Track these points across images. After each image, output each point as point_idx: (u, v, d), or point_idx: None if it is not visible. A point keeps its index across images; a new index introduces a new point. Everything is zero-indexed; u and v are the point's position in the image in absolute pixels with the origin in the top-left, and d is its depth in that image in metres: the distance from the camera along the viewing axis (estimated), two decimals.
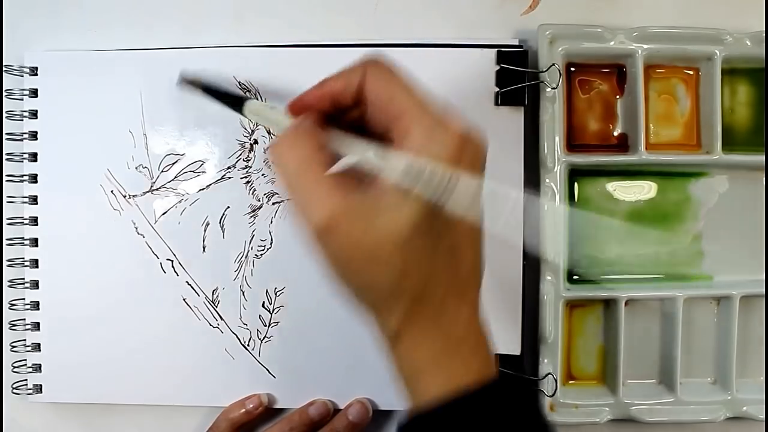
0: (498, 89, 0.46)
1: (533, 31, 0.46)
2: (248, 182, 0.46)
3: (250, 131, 0.46)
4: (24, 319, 0.47)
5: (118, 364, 0.47)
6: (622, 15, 0.47)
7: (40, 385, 0.47)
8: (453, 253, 0.30)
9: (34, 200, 0.47)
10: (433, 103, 0.31)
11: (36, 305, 0.47)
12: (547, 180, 0.45)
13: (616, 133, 0.48)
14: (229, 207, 0.47)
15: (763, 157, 0.46)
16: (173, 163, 0.47)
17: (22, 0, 0.48)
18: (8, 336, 0.47)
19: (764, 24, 0.47)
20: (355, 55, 0.47)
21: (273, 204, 0.47)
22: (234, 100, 0.40)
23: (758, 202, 0.48)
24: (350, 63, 0.33)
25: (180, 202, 0.47)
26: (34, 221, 0.47)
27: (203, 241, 0.47)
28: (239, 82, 0.46)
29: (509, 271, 0.46)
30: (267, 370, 0.47)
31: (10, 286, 0.47)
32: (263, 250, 0.47)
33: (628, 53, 0.46)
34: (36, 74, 0.47)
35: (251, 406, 0.46)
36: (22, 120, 0.47)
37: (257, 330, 0.47)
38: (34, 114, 0.47)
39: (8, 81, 0.47)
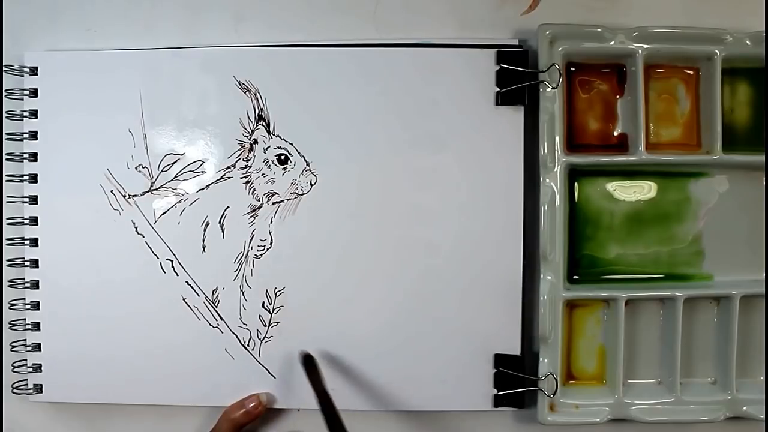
0: (498, 89, 0.46)
1: (533, 31, 0.46)
2: (248, 182, 0.46)
3: (249, 131, 0.46)
4: (24, 319, 0.47)
5: (117, 364, 0.47)
6: (622, 15, 0.47)
7: (40, 385, 0.47)
8: None
9: (34, 200, 0.47)
10: None
11: (36, 305, 0.47)
12: (547, 180, 0.45)
13: (616, 133, 0.48)
14: (228, 207, 0.47)
15: (763, 157, 0.46)
16: (173, 163, 0.47)
17: (22, 0, 0.48)
18: (8, 336, 0.47)
19: (764, 24, 0.47)
20: (355, 55, 0.47)
21: (273, 204, 0.47)
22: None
23: (758, 202, 0.48)
24: None
25: (180, 202, 0.47)
26: (34, 221, 0.47)
27: (203, 241, 0.47)
28: (239, 82, 0.46)
29: (509, 271, 0.46)
30: (267, 370, 0.47)
31: (10, 286, 0.47)
32: (263, 250, 0.47)
33: (628, 53, 0.46)
34: (36, 74, 0.47)
35: (251, 406, 0.46)
36: (22, 120, 0.47)
37: (257, 330, 0.47)
38: (34, 114, 0.47)
39: (8, 81, 0.47)
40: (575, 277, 0.48)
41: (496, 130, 0.46)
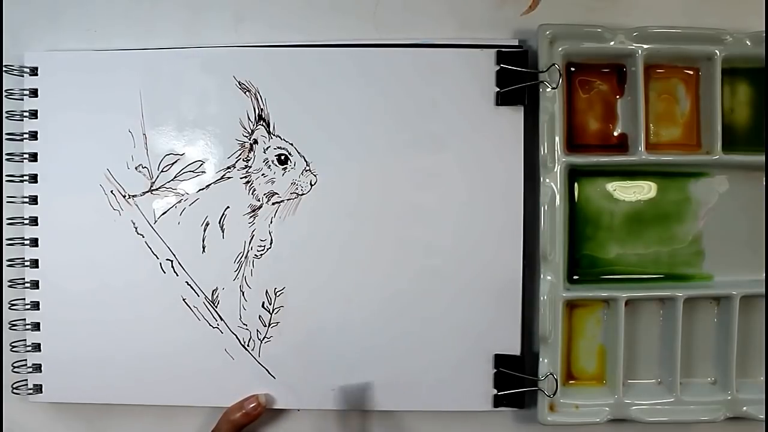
0: (498, 89, 0.46)
1: (533, 31, 0.46)
2: (248, 182, 0.46)
3: (249, 131, 0.46)
4: (24, 319, 0.47)
5: (118, 364, 0.47)
6: (622, 15, 0.47)
7: (40, 385, 0.47)
8: None
9: (34, 200, 0.47)
10: None
11: (36, 305, 0.47)
12: (547, 180, 0.45)
13: (616, 133, 0.48)
14: (228, 207, 0.47)
15: (763, 157, 0.46)
16: (173, 163, 0.47)
17: (22, 0, 0.48)
18: (8, 336, 0.47)
19: (764, 24, 0.47)
20: (355, 55, 0.47)
21: (273, 204, 0.47)
22: None
23: (758, 202, 0.48)
24: None
25: (179, 202, 0.47)
26: (34, 221, 0.47)
27: (203, 241, 0.47)
28: (239, 82, 0.46)
29: (509, 271, 0.46)
30: (267, 370, 0.47)
31: (10, 286, 0.47)
32: (263, 250, 0.47)
33: (628, 53, 0.46)
34: (36, 74, 0.47)
35: (250, 407, 0.46)
36: (22, 120, 0.47)
37: (257, 330, 0.47)
38: (34, 114, 0.47)
39: (8, 81, 0.47)
40: (575, 277, 0.48)
41: (496, 130, 0.46)
